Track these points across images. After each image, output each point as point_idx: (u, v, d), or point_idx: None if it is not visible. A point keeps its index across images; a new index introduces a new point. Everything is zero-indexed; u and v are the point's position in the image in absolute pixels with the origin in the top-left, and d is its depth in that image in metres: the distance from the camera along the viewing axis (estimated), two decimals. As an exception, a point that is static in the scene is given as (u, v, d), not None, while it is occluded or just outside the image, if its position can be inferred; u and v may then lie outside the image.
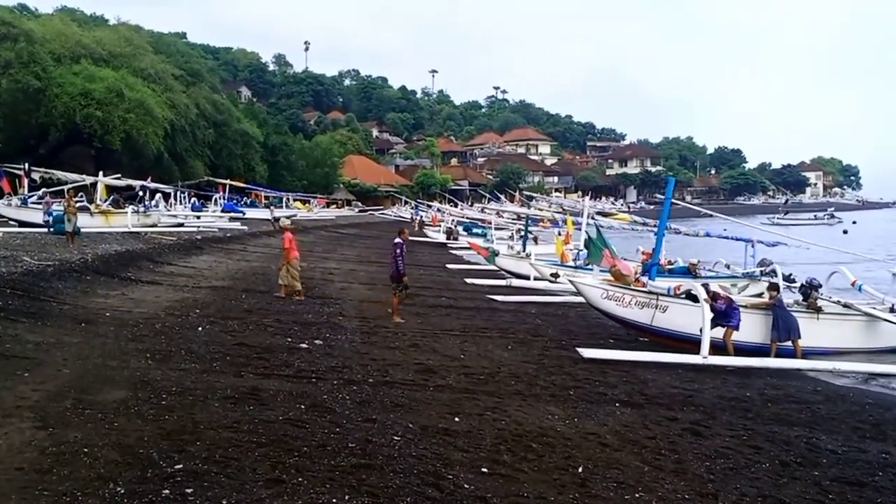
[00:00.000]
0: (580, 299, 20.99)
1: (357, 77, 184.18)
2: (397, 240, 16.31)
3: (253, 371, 9.61)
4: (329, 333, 13.17)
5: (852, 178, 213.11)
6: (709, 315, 13.40)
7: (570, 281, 17.89)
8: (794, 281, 23.00)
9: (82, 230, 24.56)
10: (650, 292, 15.19)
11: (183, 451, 6.20)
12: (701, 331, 13.40)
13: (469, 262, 35.27)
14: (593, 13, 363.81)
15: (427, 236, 53.86)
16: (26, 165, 34.94)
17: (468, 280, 26.58)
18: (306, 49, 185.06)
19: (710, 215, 23.26)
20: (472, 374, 10.63)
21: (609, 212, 38.48)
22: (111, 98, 48.62)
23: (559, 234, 42.68)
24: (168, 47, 69.94)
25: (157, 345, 10.82)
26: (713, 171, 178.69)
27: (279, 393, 8.48)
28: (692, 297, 14.17)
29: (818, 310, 15.60)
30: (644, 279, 15.84)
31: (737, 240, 26.00)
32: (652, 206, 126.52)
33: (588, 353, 12.87)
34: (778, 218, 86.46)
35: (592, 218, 32.20)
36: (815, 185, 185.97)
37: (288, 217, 53.84)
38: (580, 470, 6.75)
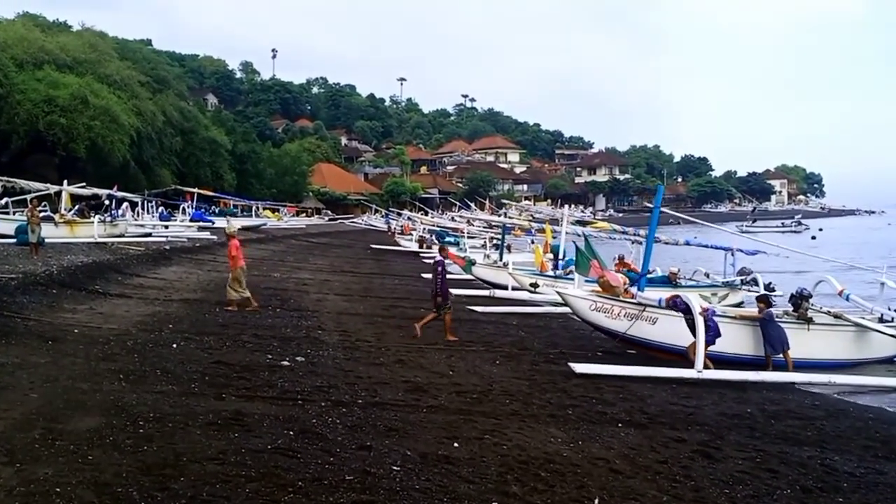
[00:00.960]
0: (562, 310, 20.81)
1: (325, 85, 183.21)
2: (438, 257, 15.73)
3: (234, 392, 9.04)
4: (310, 349, 12.61)
5: (815, 185, 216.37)
6: (703, 327, 13.05)
7: (557, 292, 17.49)
8: (773, 290, 22.95)
9: (46, 241, 23.75)
10: (639, 303, 14.84)
11: (166, 488, 5.63)
12: (693, 343, 13.10)
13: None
14: (558, 24, 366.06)
15: (399, 245, 53.35)
16: (-13, 174, 33.87)
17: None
18: (273, 57, 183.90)
19: (694, 223, 22.99)
20: (465, 393, 10.15)
21: (588, 220, 38.06)
22: (75, 105, 47.45)
23: (532, 243, 42.60)
24: (134, 53, 68.67)
25: (130, 364, 10.20)
26: (680, 179, 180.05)
27: (265, 417, 7.94)
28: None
29: (809, 321, 15.34)
30: (633, 290, 15.49)
31: (717, 248, 25.86)
32: (621, 214, 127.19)
33: (581, 367, 12.47)
34: (746, 226, 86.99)
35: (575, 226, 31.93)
36: (780, 192, 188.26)
37: (256, 225, 53.52)
38: (596, 502, 6.29)
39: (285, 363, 11.23)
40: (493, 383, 11.05)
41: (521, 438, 8.05)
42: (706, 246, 26.64)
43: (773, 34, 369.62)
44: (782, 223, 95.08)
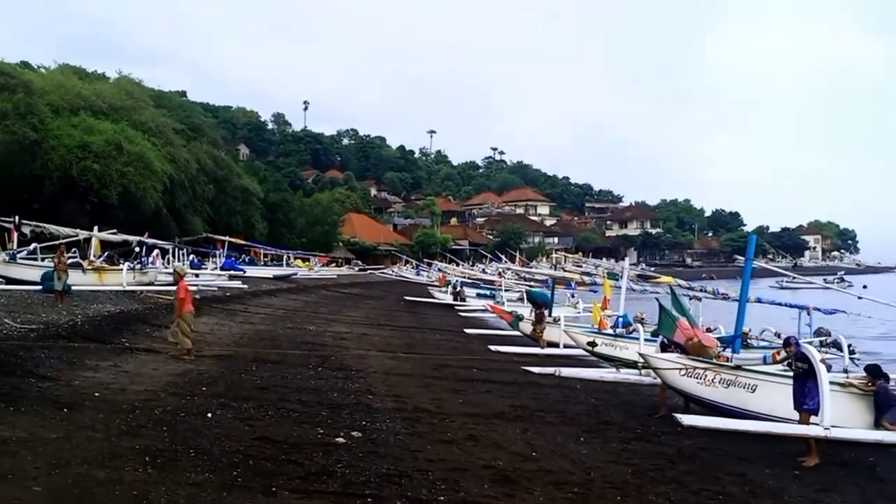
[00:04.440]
0: (625, 376, 18.89)
1: (355, 136, 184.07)
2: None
3: (286, 484, 7.29)
4: (365, 421, 10.84)
5: (850, 241, 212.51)
6: (826, 378, 11.05)
7: (641, 355, 15.63)
8: (854, 352, 20.84)
9: (73, 288, 22.35)
10: (737, 367, 12.94)
11: None
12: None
13: (484, 326, 33.14)
14: (587, 80, 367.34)
15: (433, 297, 51.66)
16: (16, 218, 32.76)
17: (492, 347, 24.27)
18: (305, 108, 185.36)
19: (785, 275, 20.96)
20: (562, 485, 8.31)
21: (650, 275, 36.16)
22: (109, 151, 46.83)
23: (573, 297, 40.64)
24: (169, 102, 68.40)
25: (157, 441, 8.51)
26: (711, 234, 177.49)
27: (329, 524, 6.20)
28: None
29: None
30: (727, 353, 13.62)
31: (791, 307, 23.81)
32: (652, 269, 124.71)
33: (689, 419, 10.68)
34: (787, 281, 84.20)
35: (634, 281, 30.05)
36: (815, 248, 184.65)
37: (288, 274, 52.14)
38: None
39: (340, 440, 9.46)
40: (590, 470, 9.20)
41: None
42: (780, 304, 24.70)
43: (807, 87, 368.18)
44: (825, 280, 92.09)
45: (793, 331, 22.92)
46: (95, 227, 35.79)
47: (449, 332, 30.00)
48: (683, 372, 13.24)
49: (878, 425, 12.02)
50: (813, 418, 10.96)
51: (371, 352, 20.50)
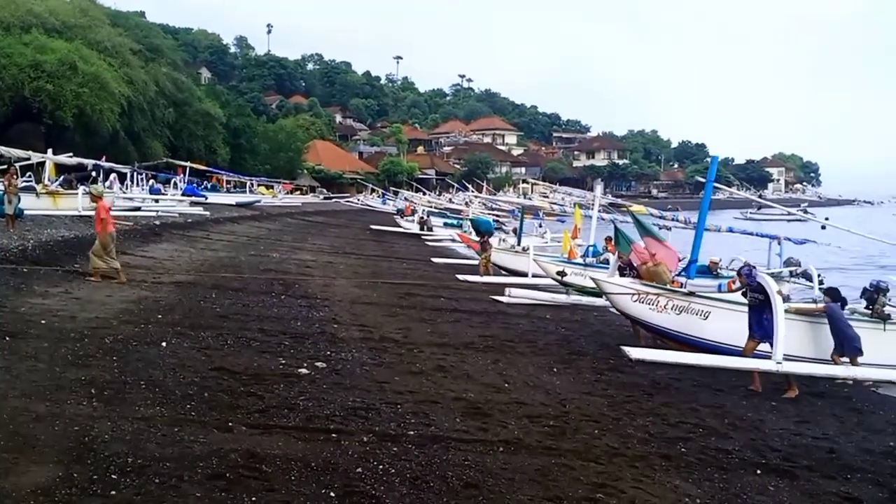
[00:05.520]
0: (592, 301, 18.59)
1: (320, 61, 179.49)
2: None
3: (245, 418, 6.79)
4: (330, 351, 10.34)
5: (812, 174, 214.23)
6: (782, 310, 10.71)
7: (593, 279, 15.21)
8: (823, 283, 20.67)
9: (26, 212, 21.39)
10: (690, 294, 12.61)
11: None
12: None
13: (451, 255, 32.78)
14: (556, 9, 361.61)
15: (400, 226, 51.07)
16: (-36, 140, 31.39)
17: (460, 276, 23.83)
18: (269, 32, 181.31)
19: (770, 205, 20.60)
20: (537, 418, 7.92)
21: (622, 203, 35.71)
22: (63, 71, 44.85)
23: (540, 227, 40.21)
24: (126, 21, 65.55)
25: (106, 371, 7.92)
26: (677, 166, 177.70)
27: (290, 463, 5.70)
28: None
29: (885, 319, 12.95)
30: (681, 279, 13.28)
31: (763, 237, 23.52)
32: (619, 200, 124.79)
33: (637, 353, 10.42)
34: (750, 213, 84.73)
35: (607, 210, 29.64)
36: (778, 180, 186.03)
37: (251, 201, 51.03)
38: None
39: (303, 370, 8.96)
40: (565, 402, 8.82)
41: (648, 499, 5.83)
42: (751, 234, 24.42)
43: (773, 24, 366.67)
44: (788, 212, 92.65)
45: (763, 261, 22.81)
46: (49, 150, 34.49)
47: (416, 262, 29.56)
48: (636, 298, 12.86)
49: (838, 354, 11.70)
50: (764, 347, 10.68)
51: (336, 280, 19.96)
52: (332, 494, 5.19)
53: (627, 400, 9.26)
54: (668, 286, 13.27)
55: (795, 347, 11.47)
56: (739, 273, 11.65)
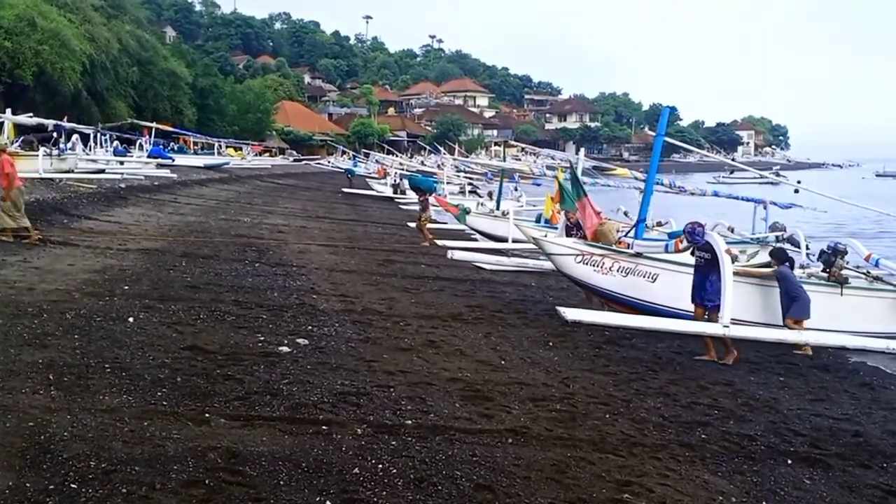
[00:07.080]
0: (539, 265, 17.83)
1: (288, 21, 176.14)
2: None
3: (222, 408, 6.06)
4: (311, 325, 9.61)
5: (781, 137, 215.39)
6: (731, 270, 10.19)
7: (533, 239, 14.37)
8: (809, 248, 20.21)
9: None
10: (637, 255, 12.04)
11: None
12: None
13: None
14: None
15: (372, 189, 50.12)
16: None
17: (439, 242, 23.08)
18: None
19: (742, 168, 20.09)
20: (542, 401, 7.28)
21: (606, 167, 35.07)
22: (21, 27, 42.92)
23: (516, 190, 39.51)
24: (86, -26, 63.30)
25: (66, 353, 7.15)
26: (648, 128, 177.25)
27: (277, 464, 5.01)
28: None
29: (843, 283, 12.28)
30: (628, 240, 12.70)
31: (748, 201, 22.96)
32: (592, 163, 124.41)
33: (572, 314, 9.74)
34: (723, 176, 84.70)
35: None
36: (748, 143, 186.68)
37: (219, 163, 49.70)
38: None
39: (285, 348, 8.23)
40: (567, 381, 8.19)
41: (679, 499, 5.22)
42: (737, 198, 23.89)
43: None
44: (760, 175, 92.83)
45: (748, 226, 22.40)
46: (8, 111, 33.04)
47: (391, 226, 28.85)
48: (579, 259, 12.26)
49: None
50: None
51: (312, 246, 19.17)
52: (329, 503, 4.51)
53: (632, 378, 8.66)
54: (614, 246, 12.69)
55: (742, 311, 10.94)
56: (685, 232, 11.05)
